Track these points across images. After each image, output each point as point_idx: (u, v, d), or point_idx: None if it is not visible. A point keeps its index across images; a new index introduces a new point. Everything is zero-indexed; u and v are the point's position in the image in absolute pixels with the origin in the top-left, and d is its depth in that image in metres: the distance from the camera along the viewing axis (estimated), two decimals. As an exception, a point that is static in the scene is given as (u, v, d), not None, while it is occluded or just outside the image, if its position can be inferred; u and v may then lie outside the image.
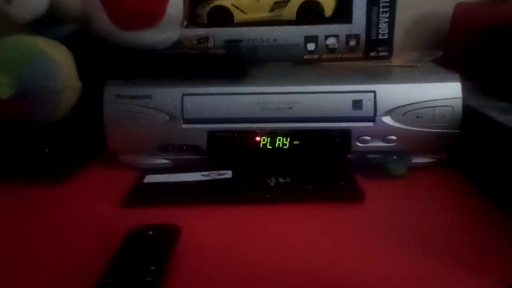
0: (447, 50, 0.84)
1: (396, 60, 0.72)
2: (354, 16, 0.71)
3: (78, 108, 0.59)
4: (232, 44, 0.71)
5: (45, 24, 0.62)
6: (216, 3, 0.73)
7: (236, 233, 0.45)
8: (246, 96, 0.57)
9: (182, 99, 0.57)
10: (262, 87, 0.57)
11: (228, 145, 0.58)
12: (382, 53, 0.72)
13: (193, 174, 0.57)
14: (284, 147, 0.58)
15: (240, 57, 0.62)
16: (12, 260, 0.42)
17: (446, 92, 0.56)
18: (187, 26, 0.69)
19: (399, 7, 0.70)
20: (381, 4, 0.70)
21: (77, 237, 0.46)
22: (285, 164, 0.59)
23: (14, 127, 0.56)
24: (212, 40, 0.71)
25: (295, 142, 0.58)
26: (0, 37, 0.54)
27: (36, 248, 0.43)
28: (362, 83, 0.57)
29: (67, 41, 0.60)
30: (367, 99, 0.56)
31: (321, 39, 0.71)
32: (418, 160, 0.59)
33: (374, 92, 0.56)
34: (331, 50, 0.72)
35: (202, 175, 0.57)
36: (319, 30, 0.71)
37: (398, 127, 0.56)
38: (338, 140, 0.57)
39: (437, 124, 0.56)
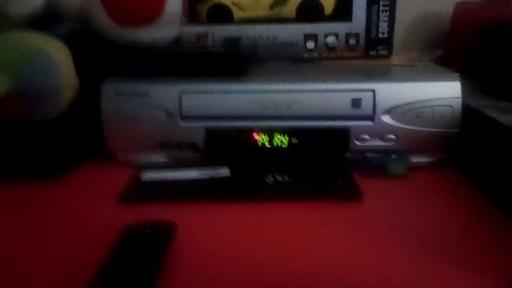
0: (447, 49, 0.83)
1: (395, 60, 0.72)
2: (354, 15, 0.71)
3: (76, 106, 0.59)
4: (232, 42, 0.71)
5: (45, 22, 0.62)
6: (215, 1, 0.73)
7: (234, 231, 0.45)
8: (244, 94, 0.57)
9: (180, 96, 0.56)
10: (261, 85, 0.57)
11: (227, 143, 0.58)
12: (382, 52, 0.72)
13: (191, 172, 0.56)
14: (283, 145, 0.58)
15: (239, 55, 0.62)
16: (8, 258, 0.42)
17: (446, 91, 0.56)
18: (186, 24, 0.69)
19: (399, 6, 0.70)
20: (381, 3, 0.70)
21: (74, 233, 0.45)
22: (283, 162, 0.59)
23: (11, 124, 0.56)
24: (211, 38, 0.71)
25: (293, 141, 0.58)
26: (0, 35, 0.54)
27: (32, 245, 0.43)
28: (362, 81, 0.57)
29: (67, 39, 0.59)
30: (366, 98, 0.56)
31: (320, 37, 0.71)
32: (417, 159, 0.58)
33: (373, 91, 0.56)
34: (331, 48, 0.72)
35: (200, 173, 0.56)
36: (318, 28, 0.71)
37: (397, 126, 0.56)
38: (337, 138, 0.57)
39: (437, 124, 0.56)
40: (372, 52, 0.72)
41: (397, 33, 0.72)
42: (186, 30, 0.69)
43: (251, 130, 0.57)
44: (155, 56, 0.61)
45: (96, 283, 0.34)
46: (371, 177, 0.56)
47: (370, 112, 0.56)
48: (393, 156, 0.57)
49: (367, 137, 0.57)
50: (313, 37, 0.71)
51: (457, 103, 0.56)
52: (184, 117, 0.57)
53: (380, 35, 0.71)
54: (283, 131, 0.57)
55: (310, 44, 0.72)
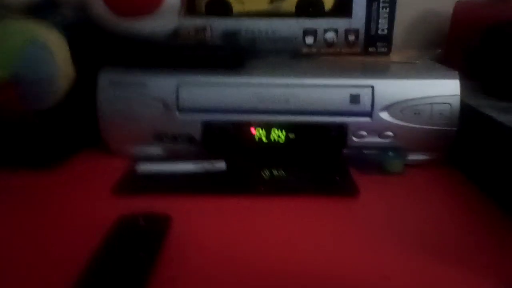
0: (447, 49, 0.83)
1: (395, 58, 0.71)
2: (354, 11, 0.70)
3: (72, 96, 0.58)
4: (230, 36, 0.70)
5: (42, 10, 0.61)
6: (215, -7, 0.72)
7: (228, 224, 0.45)
8: (242, 87, 0.56)
9: (178, 88, 0.56)
10: (259, 79, 0.57)
11: (223, 136, 0.57)
12: (381, 49, 0.72)
13: (186, 164, 0.56)
14: (280, 140, 0.57)
15: (238, 48, 0.62)
16: (0, 246, 0.41)
17: (444, 89, 0.56)
18: (184, 16, 0.68)
19: (399, 6, 0.70)
20: (381, 0, 0.69)
21: (67, 223, 0.45)
22: (280, 157, 0.58)
23: (6, 112, 0.55)
24: (210, 31, 0.70)
25: (290, 136, 0.57)
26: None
27: (25, 235, 0.43)
28: (360, 77, 0.57)
29: (64, 28, 0.59)
30: (365, 94, 0.56)
31: (320, 33, 0.71)
32: (415, 157, 0.58)
33: (372, 87, 0.56)
34: (330, 44, 0.71)
35: (196, 165, 0.56)
36: (318, 23, 0.70)
37: (395, 123, 0.56)
38: (334, 134, 0.57)
39: (435, 121, 0.56)
40: (371, 49, 0.72)
41: (396, 32, 0.72)
42: (184, 23, 0.69)
43: (248, 124, 0.57)
44: (153, 46, 0.60)
45: (88, 273, 0.34)
46: (368, 173, 0.56)
47: (368, 108, 0.56)
48: (390, 153, 0.57)
49: (364, 133, 0.57)
50: (312, 32, 0.71)
51: (456, 101, 0.55)
52: (181, 109, 0.56)
53: (380, 32, 0.71)
54: (280, 125, 0.57)
55: (309, 40, 0.71)
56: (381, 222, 0.46)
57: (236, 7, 0.72)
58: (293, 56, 0.71)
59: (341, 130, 0.56)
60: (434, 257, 0.40)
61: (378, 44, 0.72)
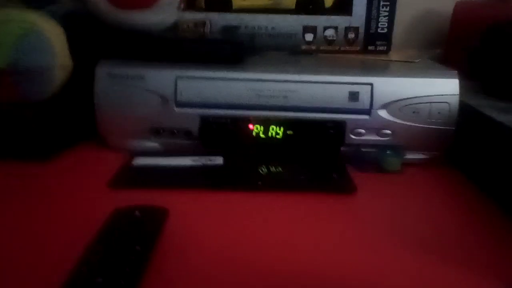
0: (447, 49, 0.83)
1: (394, 57, 0.71)
2: (354, 9, 0.70)
3: (69, 88, 0.58)
4: (230, 31, 0.70)
5: (41, 1, 0.61)
6: (215, -13, 0.72)
7: (225, 219, 0.44)
8: (241, 82, 0.56)
9: (176, 81, 0.55)
10: (258, 74, 0.56)
11: (221, 131, 0.57)
12: (381, 48, 0.72)
13: (183, 158, 0.56)
14: (277, 136, 0.57)
15: (238, 43, 0.61)
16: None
17: (444, 88, 0.56)
18: (184, 10, 0.68)
19: (400, 5, 0.70)
20: (382, -2, 0.69)
21: (62, 215, 0.44)
22: (277, 153, 0.58)
23: (2, 104, 0.55)
24: (209, 25, 0.70)
25: (288, 132, 0.57)
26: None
27: (20, 227, 0.42)
28: (360, 75, 0.57)
29: (62, 20, 0.58)
30: (364, 92, 0.55)
31: (319, 30, 0.71)
32: (413, 156, 0.58)
33: (371, 84, 0.55)
34: (329, 41, 0.71)
35: (193, 160, 0.55)
36: (318, 20, 0.70)
37: (393, 122, 0.56)
38: (332, 131, 0.57)
39: (433, 121, 0.56)
40: (371, 47, 0.72)
41: (396, 31, 0.72)
42: (184, 17, 0.68)
43: (246, 120, 0.57)
44: (152, 39, 0.60)
45: (83, 265, 0.34)
46: (366, 171, 0.56)
47: (367, 106, 0.56)
48: (388, 152, 0.57)
49: (363, 131, 0.56)
50: (312, 29, 0.71)
51: (455, 100, 0.55)
52: (179, 103, 0.56)
53: (380, 30, 0.71)
54: (278, 121, 0.57)
55: (309, 36, 0.71)
56: (378, 220, 0.46)
57: (236, 2, 0.72)
58: (292, 53, 0.70)
59: (339, 128, 0.56)
60: (431, 256, 0.39)
61: (378, 42, 0.72)
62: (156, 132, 0.58)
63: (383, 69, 0.64)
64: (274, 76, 0.56)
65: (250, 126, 0.57)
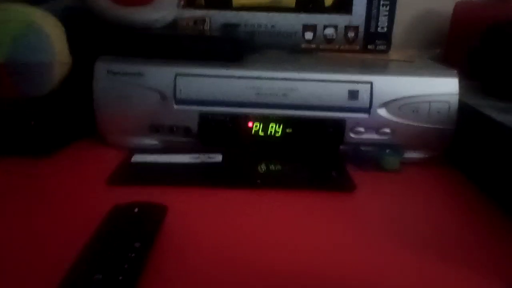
0: (447, 49, 0.83)
1: (394, 56, 0.71)
2: (354, 8, 0.70)
3: (68, 84, 0.58)
4: (229, 28, 0.70)
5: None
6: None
7: (223, 216, 0.44)
8: (240, 79, 0.56)
9: (175, 79, 0.55)
10: (257, 72, 0.56)
11: (220, 129, 0.57)
12: (380, 47, 0.72)
13: (182, 156, 0.56)
14: (277, 134, 0.57)
15: (237, 40, 0.61)
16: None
17: (443, 87, 0.56)
18: (184, 7, 0.68)
19: (400, 5, 0.70)
20: (382, -3, 0.69)
21: (61, 212, 0.44)
22: (276, 151, 0.58)
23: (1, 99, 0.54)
24: (209, 23, 0.70)
25: (287, 130, 0.57)
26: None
27: (18, 223, 0.42)
28: (360, 73, 0.56)
29: (61, 16, 0.58)
30: (364, 90, 0.55)
31: (319, 28, 0.70)
32: (412, 155, 0.58)
33: (371, 83, 0.55)
34: (329, 40, 0.71)
35: (192, 157, 0.55)
36: (318, 19, 0.70)
37: (393, 120, 0.56)
38: (331, 130, 0.56)
39: (432, 120, 0.56)
40: (371, 46, 0.71)
41: (396, 31, 0.72)
42: (183, 14, 0.68)
43: (245, 117, 0.57)
44: (152, 36, 0.60)
45: (82, 261, 0.33)
46: (365, 170, 0.56)
47: (366, 104, 0.56)
48: (388, 151, 0.57)
49: (362, 130, 0.56)
50: (312, 28, 0.70)
51: (454, 100, 0.55)
52: (178, 100, 0.56)
53: (380, 30, 0.71)
54: (277, 119, 0.57)
55: (309, 35, 0.71)
56: (377, 219, 0.46)
57: (236, 0, 0.72)
58: (292, 51, 0.70)
59: (339, 126, 0.56)
60: (431, 255, 0.39)
61: (378, 41, 0.72)
62: (155, 129, 0.58)
63: (382, 68, 0.64)
64: (274, 74, 0.56)
65: (249, 124, 0.57)
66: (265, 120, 0.57)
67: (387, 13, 0.70)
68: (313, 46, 0.71)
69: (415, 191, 0.52)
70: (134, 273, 0.32)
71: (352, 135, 0.57)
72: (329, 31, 0.71)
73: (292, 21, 0.70)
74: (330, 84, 0.56)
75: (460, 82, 0.56)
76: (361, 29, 0.71)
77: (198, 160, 0.55)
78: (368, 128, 0.56)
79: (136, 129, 0.58)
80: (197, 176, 0.52)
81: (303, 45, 0.71)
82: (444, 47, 0.85)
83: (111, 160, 0.55)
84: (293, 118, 0.56)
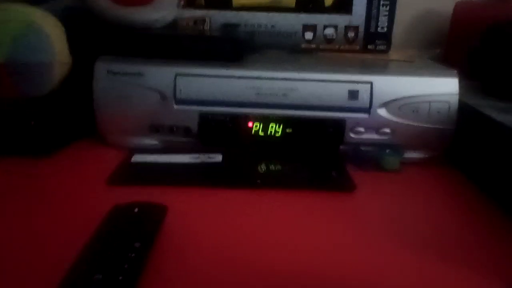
0: (447, 49, 0.83)
1: (394, 56, 0.71)
2: (354, 8, 0.70)
3: (68, 84, 0.58)
4: (229, 28, 0.70)
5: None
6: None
7: (223, 216, 0.44)
8: (241, 79, 0.56)
9: (175, 79, 0.55)
10: (257, 72, 0.56)
11: (220, 129, 0.57)
12: (380, 47, 0.72)
13: (182, 156, 0.56)
14: (277, 134, 0.57)
15: (237, 41, 0.61)
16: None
17: (443, 87, 0.56)
18: (184, 7, 0.68)
19: (400, 5, 0.70)
20: (382, -3, 0.69)
21: (61, 212, 0.44)
22: (276, 151, 0.58)
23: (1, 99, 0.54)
24: (209, 23, 0.70)
25: (287, 130, 0.57)
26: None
27: (18, 223, 0.42)
28: (360, 73, 0.56)
29: (61, 16, 0.58)
30: (364, 90, 0.55)
31: (319, 28, 0.70)
32: (412, 155, 0.58)
33: (371, 83, 0.55)
34: (329, 40, 0.71)
35: (192, 157, 0.55)
36: (318, 19, 0.70)
37: (393, 120, 0.56)
38: (331, 130, 0.56)
39: (432, 120, 0.56)
40: (371, 46, 0.71)
41: (396, 31, 0.72)
42: (183, 14, 0.68)
43: (245, 117, 0.57)
44: (152, 36, 0.60)
45: (82, 261, 0.33)
46: (365, 170, 0.56)
47: (366, 104, 0.56)
48: (388, 151, 0.57)
49: (362, 130, 0.56)
50: (312, 28, 0.70)
51: (454, 100, 0.55)
52: (178, 101, 0.56)
53: (380, 30, 0.71)
54: (277, 119, 0.57)
55: (309, 35, 0.71)
56: (377, 219, 0.46)
57: (236, 0, 0.71)
58: (292, 51, 0.70)
59: (339, 126, 0.56)
60: (431, 255, 0.39)
61: (378, 41, 0.72)
62: (155, 129, 0.58)
63: (383, 68, 0.64)
64: (274, 74, 0.56)
65: (249, 124, 0.57)
66: (265, 120, 0.57)
67: (387, 13, 0.70)
68: (313, 46, 0.71)
69: (415, 191, 0.52)
70: (134, 273, 0.32)
71: (352, 135, 0.57)
72: (329, 31, 0.71)
73: (292, 21, 0.70)
74: (330, 84, 0.56)
75: (460, 82, 0.56)
76: (361, 29, 0.71)
77: (198, 160, 0.55)
78: (368, 128, 0.56)
79: (136, 129, 0.58)
80: (197, 176, 0.52)
81: (303, 45, 0.71)
82: (444, 47, 0.85)
83: (111, 160, 0.55)
84: (293, 118, 0.56)
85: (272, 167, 0.55)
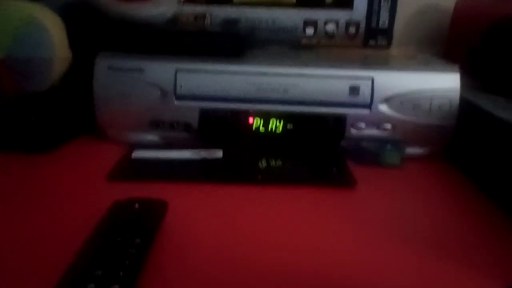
0: (448, 45, 0.83)
1: (395, 52, 0.71)
2: (355, 3, 0.70)
3: (68, 80, 0.57)
4: (230, 24, 0.69)
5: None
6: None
7: (223, 212, 0.44)
8: (241, 75, 0.56)
9: (176, 74, 0.55)
10: (258, 67, 0.56)
11: (220, 125, 0.57)
12: (381, 42, 0.72)
13: (182, 152, 0.55)
14: (277, 130, 0.57)
15: (238, 36, 0.61)
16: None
17: (444, 82, 0.55)
18: (184, 2, 0.68)
19: (401, 1, 0.70)
20: (383, -8, 0.69)
21: (61, 208, 0.44)
22: (277, 147, 0.58)
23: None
24: (209, 18, 0.70)
25: (288, 126, 0.57)
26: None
27: (18, 220, 0.42)
28: (361, 69, 0.56)
29: (61, 11, 0.58)
30: (365, 86, 0.55)
31: (320, 24, 0.70)
32: (413, 150, 0.58)
33: (372, 78, 0.55)
34: (330, 36, 0.71)
35: (192, 153, 0.55)
36: (319, 14, 0.70)
37: (394, 116, 0.56)
38: (332, 125, 0.56)
39: (433, 115, 0.56)
40: (372, 42, 0.71)
41: (397, 27, 0.72)
42: (184, 9, 0.68)
43: (246, 113, 0.57)
44: (152, 32, 0.59)
45: (82, 258, 0.33)
46: (365, 165, 0.55)
47: (367, 100, 0.55)
48: (388, 146, 0.56)
49: (363, 125, 0.56)
50: (313, 23, 0.70)
51: (455, 95, 0.55)
52: (178, 96, 0.56)
53: (381, 25, 0.71)
54: (278, 115, 0.56)
55: (310, 31, 0.71)
56: (378, 215, 0.46)
57: (237, -5, 0.71)
58: (293, 47, 0.70)
59: (340, 122, 0.56)
60: (430, 252, 0.39)
61: (379, 37, 0.72)
62: (156, 125, 0.57)
63: (384, 63, 0.63)
64: (274, 70, 0.56)
65: (250, 119, 0.57)
66: (266, 116, 0.57)
67: (388, 8, 0.70)
68: (314, 41, 0.71)
69: (416, 187, 0.52)
70: (135, 269, 0.32)
71: (353, 130, 0.56)
72: (330, 27, 0.70)
73: (293, 17, 0.70)
74: (331, 80, 0.56)
75: (461, 77, 0.55)
76: (362, 25, 0.71)
77: (198, 156, 0.55)
78: (369, 124, 0.56)
79: (136, 125, 0.58)
80: (198, 172, 0.52)
81: (304, 41, 0.71)
82: (445, 43, 0.85)
83: (111, 156, 0.55)
84: (294, 114, 0.56)
85: (272, 163, 0.55)
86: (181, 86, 0.55)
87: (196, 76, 0.55)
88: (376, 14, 0.70)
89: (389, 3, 0.70)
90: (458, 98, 0.55)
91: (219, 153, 0.56)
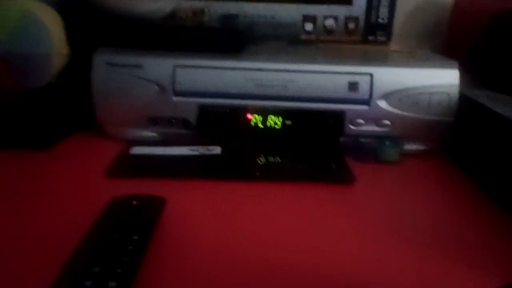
0: (448, 40, 0.83)
1: (394, 47, 0.71)
2: (354, -2, 0.70)
3: (66, 76, 0.57)
4: (228, 19, 0.69)
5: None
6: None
7: (222, 209, 0.44)
8: (240, 71, 0.55)
9: (174, 70, 0.55)
10: (257, 63, 0.56)
11: (219, 121, 0.56)
12: (381, 38, 0.71)
13: (181, 148, 0.55)
14: (276, 126, 0.57)
15: (237, 32, 0.61)
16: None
17: (444, 78, 0.55)
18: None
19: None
20: (383, -12, 0.69)
21: (59, 204, 0.44)
22: (276, 143, 0.58)
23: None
24: (207, 14, 0.69)
25: (287, 122, 0.57)
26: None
27: (17, 216, 0.42)
28: (360, 65, 0.56)
29: (59, 6, 0.58)
30: (364, 82, 0.55)
31: (319, 19, 0.70)
32: (411, 146, 0.58)
33: (371, 75, 0.55)
34: (329, 31, 0.71)
35: (190, 149, 0.55)
36: (318, 10, 0.70)
37: (393, 112, 0.55)
38: (331, 122, 0.56)
39: (432, 111, 0.55)
40: (371, 37, 0.71)
41: (397, 22, 0.72)
42: (182, 4, 0.68)
43: (244, 109, 0.56)
44: (150, 27, 0.59)
45: (79, 254, 0.33)
46: (364, 162, 0.55)
47: (366, 96, 0.55)
48: (387, 142, 0.56)
49: (362, 121, 0.56)
50: (312, 18, 0.70)
51: (455, 91, 0.55)
52: (177, 92, 0.56)
53: (380, 21, 0.70)
54: (277, 111, 0.56)
55: (309, 26, 0.70)
56: (377, 211, 0.46)
57: (235, -10, 0.71)
58: (292, 42, 0.70)
59: (338, 118, 0.56)
60: (429, 248, 0.39)
61: (378, 32, 0.71)
62: (154, 121, 0.57)
63: (383, 59, 0.63)
64: (273, 66, 0.56)
65: (249, 115, 0.57)
66: (265, 112, 0.56)
67: (387, 4, 0.70)
68: (313, 37, 0.71)
69: (415, 183, 0.52)
70: (132, 266, 0.32)
71: (351, 127, 0.56)
72: (329, 22, 0.70)
73: (292, 12, 0.70)
74: (330, 76, 0.55)
75: (460, 73, 0.55)
76: (362, 20, 0.70)
77: (197, 152, 0.55)
78: (368, 120, 0.56)
79: (134, 121, 0.58)
80: (196, 169, 0.52)
81: (303, 36, 0.71)
82: (445, 39, 0.85)
83: (110, 152, 0.55)
84: (293, 110, 0.56)
85: (271, 159, 0.55)
86: (180, 82, 0.55)
87: (194, 72, 0.55)
88: (376, 9, 0.70)
89: (389, -2, 0.69)
90: (457, 94, 0.55)
91: (217, 150, 0.56)
